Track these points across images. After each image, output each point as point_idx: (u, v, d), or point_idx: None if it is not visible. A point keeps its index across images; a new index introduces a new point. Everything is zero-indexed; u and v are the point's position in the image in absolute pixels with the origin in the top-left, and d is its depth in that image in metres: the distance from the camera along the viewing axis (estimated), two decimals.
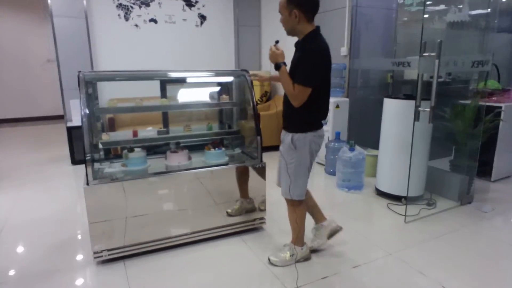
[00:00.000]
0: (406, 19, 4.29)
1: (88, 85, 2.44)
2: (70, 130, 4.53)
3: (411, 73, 4.18)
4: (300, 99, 1.97)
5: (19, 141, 6.19)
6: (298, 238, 2.29)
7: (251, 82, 2.75)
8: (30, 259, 2.40)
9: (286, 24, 2.07)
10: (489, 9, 3.28)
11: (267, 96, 5.79)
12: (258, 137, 2.65)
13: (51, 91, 8.05)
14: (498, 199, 3.37)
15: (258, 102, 5.63)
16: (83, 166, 4.32)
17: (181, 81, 2.96)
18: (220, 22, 5.78)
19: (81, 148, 4.57)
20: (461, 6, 3.18)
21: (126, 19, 5.15)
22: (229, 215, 2.63)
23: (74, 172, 4.36)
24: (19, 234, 2.78)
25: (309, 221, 2.36)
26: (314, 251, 2.42)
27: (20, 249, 2.56)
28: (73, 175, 4.27)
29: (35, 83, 8.08)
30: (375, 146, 4.04)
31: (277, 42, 2.15)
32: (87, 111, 2.27)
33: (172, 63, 5.41)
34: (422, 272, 2.20)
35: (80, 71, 2.34)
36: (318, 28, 2.06)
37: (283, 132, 2.21)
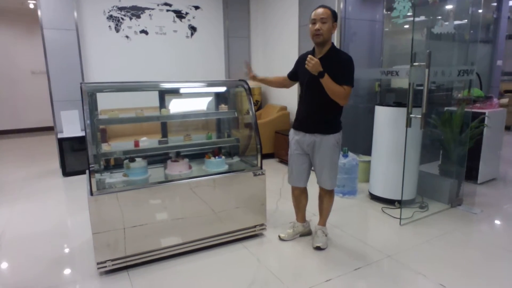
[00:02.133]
0: (392, 30, 4.47)
1: (89, 97, 2.44)
2: (61, 142, 4.47)
3: (398, 82, 4.35)
4: (348, 97, 2.34)
5: (5, 154, 6.05)
6: (326, 220, 2.72)
7: (250, 91, 2.82)
8: (32, 273, 2.36)
9: (328, 32, 2.34)
10: (466, 21, 3.49)
11: (258, 105, 5.87)
12: (258, 145, 2.71)
13: (36, 102, 7.94)
14: (486, 201, 3.52)
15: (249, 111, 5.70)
16: (75, 178, 4.43)
17: (180, 92, 3.00)
18: (210, 33, 5.86)
19: (73, 159, 4.56)
20: (445, 19, 3.36)
21: (117, 30, 5.17)
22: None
23: (66, 184, 4.29)
24: (17, 248, 2.72)
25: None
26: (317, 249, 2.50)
27: (19, 263, 2.51)
28: (65, 187, 4.21)
29: (19, 95, 7.94)
30: (366, 152, 4.17)
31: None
32: (89, 122, 2.28)
33: (163, 73, 5.44)
34: (422, 273, 2.28)
35: (82, 82, 2.35)
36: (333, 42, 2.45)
37: (313, 136, 2.47)
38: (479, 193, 3.77)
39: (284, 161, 4.99)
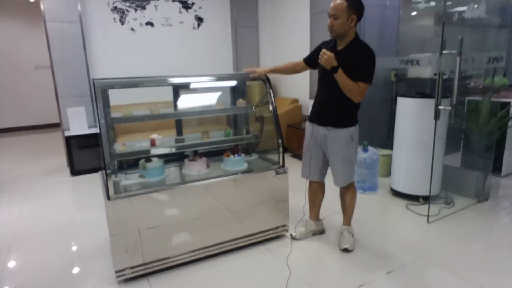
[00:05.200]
0: (409, 16, 4.27)
1: (103, 93, 2.29)
2: (69, 140, 4.34)
3: (416, 71, 4.16)
4: (363, 95, 2.19)
5: (12, 152, 5.93)
6: (351, 219, 2.57)
7: (270, 84, 2.67)
8: (44, 276, 2.25)
9: (341, 28, 2.15)
10: (493, 4, 3.29)
11: None
12: (280, 141, 2.56)
13: (42, 99, 7.76)
14: None
15: (259, 104, 5.54)
16: (83, 177, 4.31)
17: (194, 87, 2.84)
18: (217, 24, 5.66)
19: (81, 157, 4.43)
20: (477, 2, 3.17)
21: (122, 22, 4.98)
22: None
23: (74, 184, 4.18)
24: (29, 250, 2.62)
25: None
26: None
27: (33, 266, 2.39)
28: (74, 187, 4.09)
29: (25, 91, 7.77)
30: (382, 145, 4.01)
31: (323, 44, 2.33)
32: (103, 121, 2.13)
33: (170, 66, 5.27)
34: (458, 274, 2.15)
35: (94, 79, 2.20)
36: (357, 33, 2.24)
37: (327, 129, 2.32)
38: (504, 186, 3.63)
39: (297, 155, 4.84)
